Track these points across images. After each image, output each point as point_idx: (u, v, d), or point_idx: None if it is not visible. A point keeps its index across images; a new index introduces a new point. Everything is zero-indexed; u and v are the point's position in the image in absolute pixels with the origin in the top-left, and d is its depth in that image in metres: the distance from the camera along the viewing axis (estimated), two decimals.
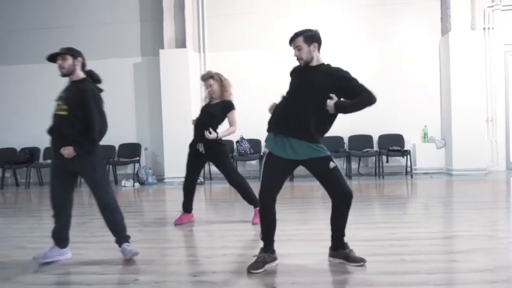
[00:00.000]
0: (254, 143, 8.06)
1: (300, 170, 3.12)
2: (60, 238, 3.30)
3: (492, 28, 7.90)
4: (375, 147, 8.01)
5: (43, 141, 8.45)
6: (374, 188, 6.82)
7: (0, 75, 8.87)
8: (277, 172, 2.92)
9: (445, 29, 7.91)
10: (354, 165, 8.07)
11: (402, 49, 8.13)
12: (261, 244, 3.03)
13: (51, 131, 3.24)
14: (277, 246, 3.10)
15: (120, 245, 3.31)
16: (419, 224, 4.28)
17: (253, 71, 8.25)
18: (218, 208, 5.82)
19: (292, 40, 2.93)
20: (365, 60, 7.87)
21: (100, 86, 3.35)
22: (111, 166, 8.14)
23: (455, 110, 7.60)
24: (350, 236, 3.19)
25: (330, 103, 2.80)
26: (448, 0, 7.75)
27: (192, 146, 4.37)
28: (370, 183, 7.23)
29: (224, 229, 4.29)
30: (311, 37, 2.91)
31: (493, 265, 2.91)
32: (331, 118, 2.93)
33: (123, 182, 7.68)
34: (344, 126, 7.55)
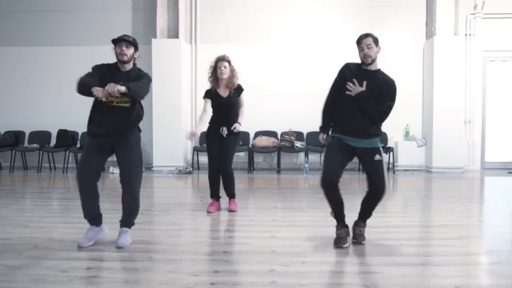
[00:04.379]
0: (244, 135, 8.17)
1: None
2: (94, 216, 3.29)
3: (473, 35, 8.29)
4: None
5: (29, 125, 8.37)
6: (358, 182, 7.07)
7: None
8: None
9: (429, 33, 8.25)
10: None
11: (388, 51, 8.35)
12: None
13: (109, 123, 3.18)
14: (280, 231, 3.25)
15: (122, 227, 3.29)
16: (410, 214, 4.55)
17: (244, 65, 8.27)
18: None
19: (362, 39, 3.17)
20: (351, 60, 8.10)
21: None
22: None
23: (436, 111, 7.96)
24: (348, 223, 3.39)
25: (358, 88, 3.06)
26: (433, 6, 8.10)
27: (213, 132, 4.47)
28: (353, 177, 7.48)
29: (222, 214, 4.41)
30: (377, 40, 3.20)
31: (485, 249, 3.18)
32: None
33: (111, 169, 7.63)
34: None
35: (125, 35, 3.25)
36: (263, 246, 3.21)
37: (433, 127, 7.98)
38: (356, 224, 3.32)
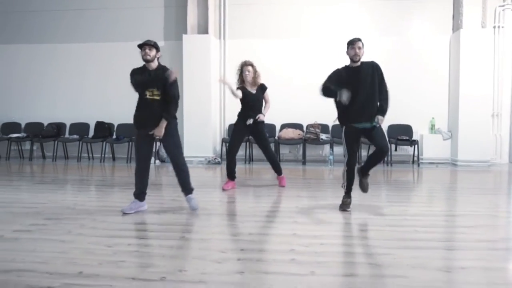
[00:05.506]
0: (270, 127, 8.45)
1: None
2: (141, 193, 4.10)
3: (502, 27, 8.20)
4: None
5: (69, 117, 8.94)
6: (383, 174, 7.22)
7: (27, 53, 9.23)
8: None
9: (456, 26, 8.23)
10: (363, 153, 8.43)
11: (414, 44, 8.46)
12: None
13: (146, 114, 3.95)
14: (302, 217, 3.51)
15: (186, 195, 4.14)
16: (429, 204, 4.72)
17: (271, 59, 8.60)
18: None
19: (356, 42, 4.01)
20: (377, 53, 8.16)
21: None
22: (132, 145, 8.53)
23: (463, 104, 7.95)
24: (367, 210, 3.61)
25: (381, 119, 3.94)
26: None
27: (241, 121, 5.30)
28: (378, 169, 7.61)
29: (248, 201, 4.71)
30: (363, 44, 4.07)
31: (499, 237, 3.34)
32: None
33: (152, 159, 8.05)
34: None
35: (148, 40, 4.02)
36: (285, 229, 3.49)
37: (459, 120, 7.97)
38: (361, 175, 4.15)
